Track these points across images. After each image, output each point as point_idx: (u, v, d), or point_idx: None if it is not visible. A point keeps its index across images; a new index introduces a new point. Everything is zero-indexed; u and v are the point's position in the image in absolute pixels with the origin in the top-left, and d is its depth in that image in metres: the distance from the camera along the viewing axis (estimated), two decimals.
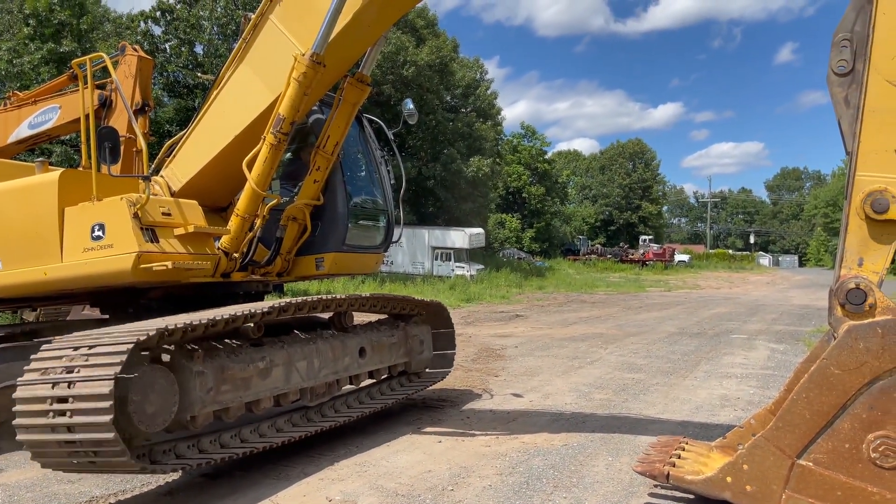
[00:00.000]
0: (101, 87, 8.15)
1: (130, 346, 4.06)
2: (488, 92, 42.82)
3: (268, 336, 5.63)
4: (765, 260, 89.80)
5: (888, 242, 4.04)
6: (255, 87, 6.12)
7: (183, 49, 29.03)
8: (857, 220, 4.10)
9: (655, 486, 5.03)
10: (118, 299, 6.32)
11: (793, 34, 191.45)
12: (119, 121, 7.97)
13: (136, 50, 8.34)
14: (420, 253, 34.49)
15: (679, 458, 4.78)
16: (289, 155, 7.00)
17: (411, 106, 8.17)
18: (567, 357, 11.52)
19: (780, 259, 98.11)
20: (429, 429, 6.70)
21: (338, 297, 6.21)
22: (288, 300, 5.61)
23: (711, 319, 18.87)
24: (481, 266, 35.23)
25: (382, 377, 7.16)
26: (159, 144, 8.33)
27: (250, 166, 5.89)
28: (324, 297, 5.99)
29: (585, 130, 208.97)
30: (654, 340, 13.96)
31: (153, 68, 9.09)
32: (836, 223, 77.07)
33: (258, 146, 5.86)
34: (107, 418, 3.86)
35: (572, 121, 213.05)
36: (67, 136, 22.18)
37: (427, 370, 7.72)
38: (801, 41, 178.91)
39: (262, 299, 7.29)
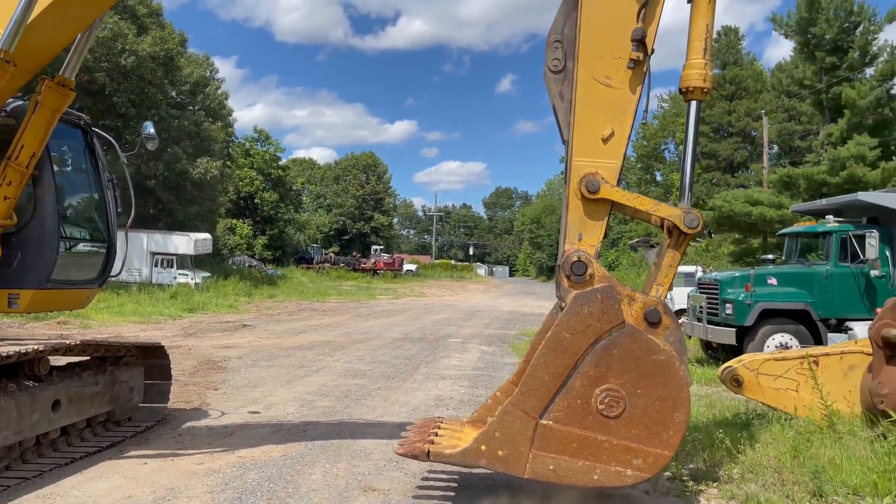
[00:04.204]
0: None
1: None
2: (219, 91, 40.82)
3: None
4: (481, 270, 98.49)
5: (601, 218, 4.66)
6: None
7: None
8: (575, 199, 4.65)
9: (367, 490, 5.19)
10: None
11: (511, 67, 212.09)
12: None
13: None
14: (137, 259, 31.46)
15: (437, 435, 5.00)
16: None
17: (151, 129, 7.26)
18: (293, 366, 11.39)
19: (494, 269, 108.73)
20: (133, 451, 6.11)
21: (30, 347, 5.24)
22: None
23: (433, 325, 20.12)
24: (208, 274, 33.30)
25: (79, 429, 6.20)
26: None
27: None
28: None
29: (324, 140, 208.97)
30: (380, 346, 14.46)
31: None
32: (539, 238, 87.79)
33: None
34: None
35: (311, 129, 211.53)
36: None
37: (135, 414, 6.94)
38: (518, 74, 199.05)
39: None
